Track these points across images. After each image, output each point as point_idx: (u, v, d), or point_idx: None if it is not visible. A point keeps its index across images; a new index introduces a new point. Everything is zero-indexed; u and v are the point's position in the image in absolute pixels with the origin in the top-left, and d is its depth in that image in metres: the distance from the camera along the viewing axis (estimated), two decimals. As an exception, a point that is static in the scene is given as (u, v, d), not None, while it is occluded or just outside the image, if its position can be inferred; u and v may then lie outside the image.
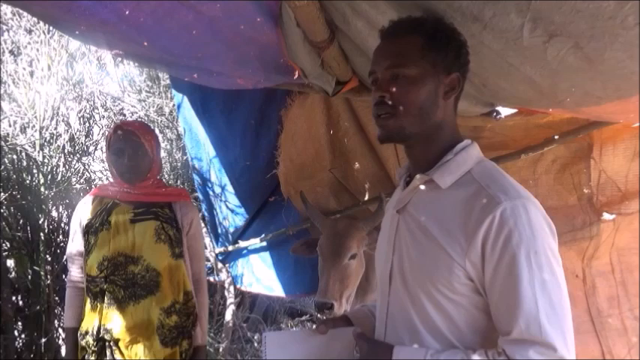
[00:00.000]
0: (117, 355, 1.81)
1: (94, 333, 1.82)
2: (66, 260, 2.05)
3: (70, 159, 3.34)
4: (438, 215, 0.97)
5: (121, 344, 1.81)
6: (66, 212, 3.42)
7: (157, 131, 4.25)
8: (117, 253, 1.85)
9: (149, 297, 1.85)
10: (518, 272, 0.85)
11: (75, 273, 1.95)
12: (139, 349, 1.82)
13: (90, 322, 1.84)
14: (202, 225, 3.60)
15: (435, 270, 0.94)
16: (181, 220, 1.97)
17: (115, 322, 1.82)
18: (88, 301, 1.87)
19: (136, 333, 1.82)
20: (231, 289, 3.42)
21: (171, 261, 1.90)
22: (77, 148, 3.43)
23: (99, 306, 1.84)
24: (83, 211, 1.94)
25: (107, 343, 1.83)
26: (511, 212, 0.87)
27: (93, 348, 1.82)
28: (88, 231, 1.89)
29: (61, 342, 3.23)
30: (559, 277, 0.87)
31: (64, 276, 3.20)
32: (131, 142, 1.86)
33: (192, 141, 2.95)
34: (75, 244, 1.94)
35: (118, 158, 1.88)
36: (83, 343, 1.85)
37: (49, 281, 3.11)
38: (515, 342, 0.85)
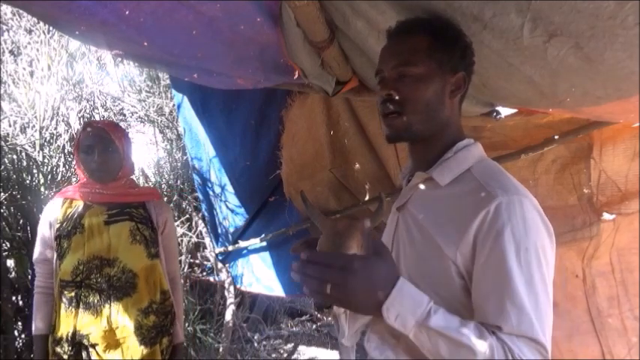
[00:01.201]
0: (94, 358, 1.77)
1: (70, 339, 1.78)
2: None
3: (70, 159, 3.33)
4: (434, 212, 0.98)
5: (98, 348, 1.78)
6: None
7: (157, 131, 4.28)
8: (92, 257, 1.80)
9: (125, 299, 1.82)
10: (509, 267, 0.83)
11: (44, 278, 1.88)
12: (117, 352, 1.79)
13: (65, 328, 1.79)
14: (203, 225, 3.61)
15: (428, 267, 0.94)
16: (156, 220, 1.95)
17: (91, 326, 1.78)
18: (62, 306, 1.81)
19: (113, 336, 1.79)
20: (231, 289, 3.42)
21: (147, 261, 1.87)
22: (77, 148, 3.43)
23: (74, 311, 1.79)
24: (53, 215, 1.87)
25: (83, 348, 1.78)
26: (506, 207, 0.86)
27: (69, 353, 1.77)
28: (60, 235, 1.83)
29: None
30: (546, 278, 0.86)
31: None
32: (101, 139, 1.82)
33: (192, 141, 2.95)
34: (43, 248, 1.88)
35: (87, 156, 1.82)
36: (58, 349, 1.79)
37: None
38: (507, 335, 0.82)
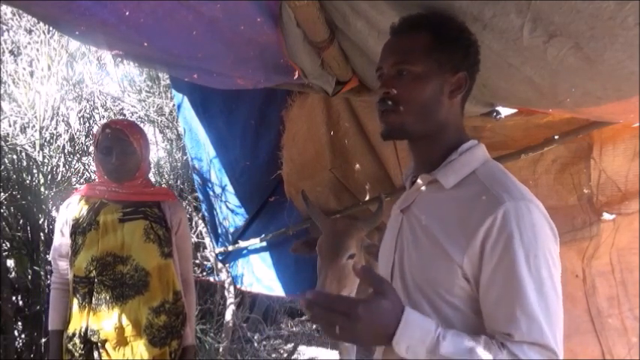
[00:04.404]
0: (104, 357, 1.78)
1: (82, 335, 1.78)
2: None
3: (70, 159, 3.34)
4: (440, 215, 0.97)
5: (108, 345, 1.78)
6: (66, 212, 3.41)
7: (157, 131, 4.28)
8: (105, 253, 1.82)
9: (137, 297, 1.82)
10: (520, 275, 0.84)
11: (60, 274, 1.90)
12: (127, 350, 1.79)
13: (77, 324, 1.80)
14: (203, 225, 3.61)
15: (433, 271, 0.94)
16: (170, 220, 1.95)
17: (102, 323, 1.79)
18: (75, 302, 1.82)
19: (124, 334, 1.80)
20: (231, 289, 3.42)
21: (160, 261, 1.88)
22: (77, 148, 3.43)
23: (87, 307, 1.80)
24: (69, 211, 1.90)
25: (94, 345, 1.79)
26: (514, 213, 0.86)
27: (80, 351, 1.78)
28: (75, 231, 1.85)
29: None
30: (556, 283, 0.87)
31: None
32: (119, 140, 1.83)
33: (192, 141, 2.95)
34: (60, 245, 1.90)
35: (105, 157, 1.84)
36: (70, 345, 1.80)
37: (49, 281, 3.10)
38: (518, 344, 0.83)
